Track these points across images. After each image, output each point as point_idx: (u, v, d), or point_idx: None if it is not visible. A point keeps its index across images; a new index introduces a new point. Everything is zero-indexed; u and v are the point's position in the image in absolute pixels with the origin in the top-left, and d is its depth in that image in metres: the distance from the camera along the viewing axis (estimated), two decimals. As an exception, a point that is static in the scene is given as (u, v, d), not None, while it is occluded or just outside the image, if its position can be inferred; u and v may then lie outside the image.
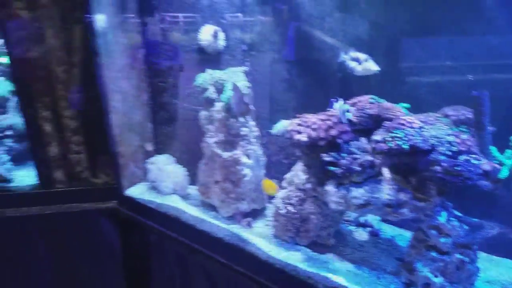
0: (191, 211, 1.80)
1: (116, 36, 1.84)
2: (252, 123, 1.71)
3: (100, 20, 1.76)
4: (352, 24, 1.70)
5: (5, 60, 2.08)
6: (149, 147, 2.00)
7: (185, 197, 1.91)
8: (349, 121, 1.38)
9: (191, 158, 1.91)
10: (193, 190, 1.94)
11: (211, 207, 1.82)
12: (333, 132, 1.35)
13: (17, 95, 1.85)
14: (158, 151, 2.02)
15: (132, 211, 1.97)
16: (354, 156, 1.34)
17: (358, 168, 1.32)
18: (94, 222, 2.01)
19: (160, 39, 1.86)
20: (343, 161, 1.33)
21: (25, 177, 2.09)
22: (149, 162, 1.95)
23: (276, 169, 1.85)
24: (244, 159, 1.68)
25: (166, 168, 1.91)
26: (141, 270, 2.01)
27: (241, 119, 1.65)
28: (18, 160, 2.17)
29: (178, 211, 1.82)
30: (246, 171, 1.69)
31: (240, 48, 1.82)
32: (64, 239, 2.03)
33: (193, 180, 1.94)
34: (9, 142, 2.16)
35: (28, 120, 1.89)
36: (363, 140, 1.36)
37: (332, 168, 1.34)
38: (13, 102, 2.18)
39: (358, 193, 1.33)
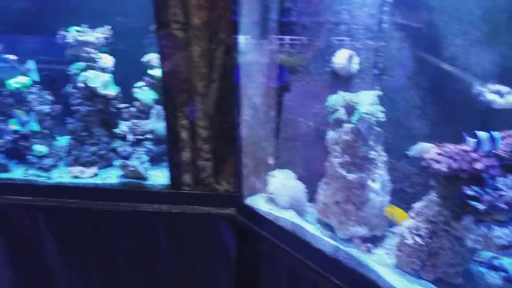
0: (308, 228, 1.84)
1: (255, 55, 1.98)
2: (380, 147, 1.70)
3: (242, 41, 1.92)
4: (490, 56, 1.63)
5: (157, 73, 2.38)
6: (271, 161, 2.10)
7: (302, 213, 1.96)
8: (496, 155, 1.30)
9: (311, 176, 1.95)
10: (310, 207, 1.98)
11: (328, 227, 1.84)
12: (479, 165, 1.28)
13: (163, 104, 2.09)
14: (280, 165, 2.10)
15: (249, 220, 2.08)
16: (500, 193, 1.25)
17: (504, 206, 1.24)
18: (213, 225, 2.15)
19: (293, 60, 1.95)
20: (487, 197, 1.26)
21: (158, 177, 2.32)
22: (270, 175, 2.04)
23: (398, 197, 1.80)
24: (369, 183, 1.67)
25: (286, 183, 1.98)
26: (252, 278, 2.10)
27: (370, 143, 1.66)
28: (154, 161, 2.43)
29: (295, 226, 1.87)
30: (371, 195, 1.68)
31: (372, 72, 1.83)
32: (185, 237, 2.21)
33: (311, 198, 1.98)
34: (148, 144, 2.44)
35: (169, 127, 2.12)
36: (512, 177, 1.27)
37: (474, 203, 1.27)
38: (155, 109, 2.46)
39: (502, 233, 1.24)
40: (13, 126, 2.39)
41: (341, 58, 1.78)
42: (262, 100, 2.04)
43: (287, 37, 1.97)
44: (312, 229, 1.84)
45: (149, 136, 2.44)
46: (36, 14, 2.69)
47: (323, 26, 1.85)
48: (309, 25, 1.88)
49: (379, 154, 1.69)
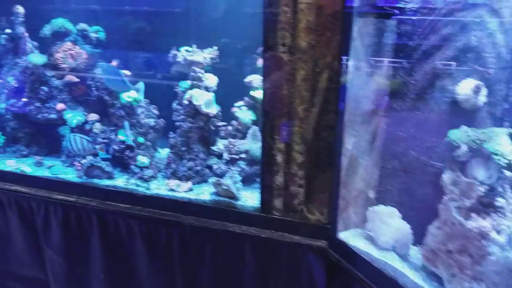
0: (412, 276, 1.64)
1: (362, 81, 1.88)
2: (510, 194, 1.46)
3: (349, 65, 1.83)
4: None
5: (258, 94, 2.39)
6: (372, 194, 1.94)
7: (404, 257, 1.76)
8: None
9: (418, 216, 1.76)
10: (414, 251, 1.78)
11: (435, 277, 1.62)
12: None
13: (262, 126, 2.07)
14: (381, 200, 1.93)
15: (342, 256, 1.93)
16: None
17: None
18: (302, 256, 2.04)
19: (405, 88, 1.80)
20: None
21: (249, 198, 2.30)
22: (371, 210, 1.88)
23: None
24: (493, 235, 1.44)
25: (389, 221, 1.81)
26: (340, 320, 1.94)
27: (499, 189, 1.43)
28: (246, 181, 2.41)
29: (396, 272, 1.69)
30: (493, 248, 1.44)
31: (502, 107, 1.60)
32: (272, 263, 2.13)
33: (416, 240, 1.78)
34: (242, 164, 2.43)
35: (265, 149, 2.08)
36: None
37: None
38: (252, 130, 2.46)
39: None
40: (121, 136, 2.57)
41: (466, 89, 1.59)
42: (367, 128, 1.91)
43: (401, 62, 1.83)
44: (416, 277, 1.64)
45: (243, 156, 2.43)
46: (151, 33, 2.90)
47: (445, 52, 1.67)
48: (429, 50, 1.72)
49: (507, 202, 1.45)
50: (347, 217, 2.00)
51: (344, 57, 1.83)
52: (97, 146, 2.53)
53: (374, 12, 1.90)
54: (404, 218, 1.85)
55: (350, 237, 1.95)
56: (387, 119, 1.91)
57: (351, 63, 1.85)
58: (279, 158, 2.07)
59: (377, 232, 1.83)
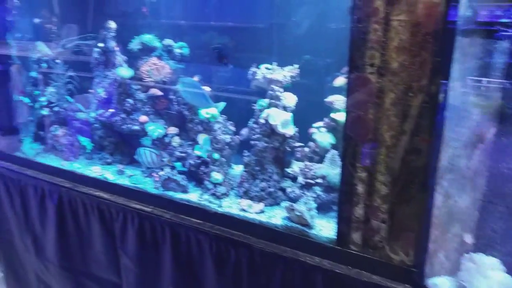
0: None
1: (464, 108, 1.64)
2: None
3: (449, 90, 1.61)
4: None
5: (340, 117, 2.24)
6: (469, 239, 1.68)
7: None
8: None
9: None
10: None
11: None
12: None
13: (342, 151, 1.92)
14: (480, 247, 1.67)
15: (428, 307, 1.69)
16: None
17: None
18: (381, 299, 1.84)
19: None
20: None
21: (323, 227, 2.15)
22: (467, 258, 1.63)
23: None
24: None
25: (490, 274, 1.54)
26: None
27: None
28: (321, 209, 2.26)
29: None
30: None
31: None
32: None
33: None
34: (318, 190, 2.29)
35: (344, 177, 1.92)
36: None
37: None
38: (330, 154, 2.31)
39: None
40: (197, 151, 2.58)
41: None
42: (468, 162, 1.66)
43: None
44: None
45: (319, 181, 2.28)
46: (234, 48, 2.90)
47: None
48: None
49: None
50: (437, 262, 1.75)
51: (443, 81, 1.62)
52: (165, 159, 2.58)
53: (478, 29, 1.67)
54: (509, 272, 1.56)
55: (439, 285, 1.71)
56: (492, 152, 1.65)
57: (451, 86, 1.62)
58: (360, 188, 1.89)
59: (473, 284, 1.57)
